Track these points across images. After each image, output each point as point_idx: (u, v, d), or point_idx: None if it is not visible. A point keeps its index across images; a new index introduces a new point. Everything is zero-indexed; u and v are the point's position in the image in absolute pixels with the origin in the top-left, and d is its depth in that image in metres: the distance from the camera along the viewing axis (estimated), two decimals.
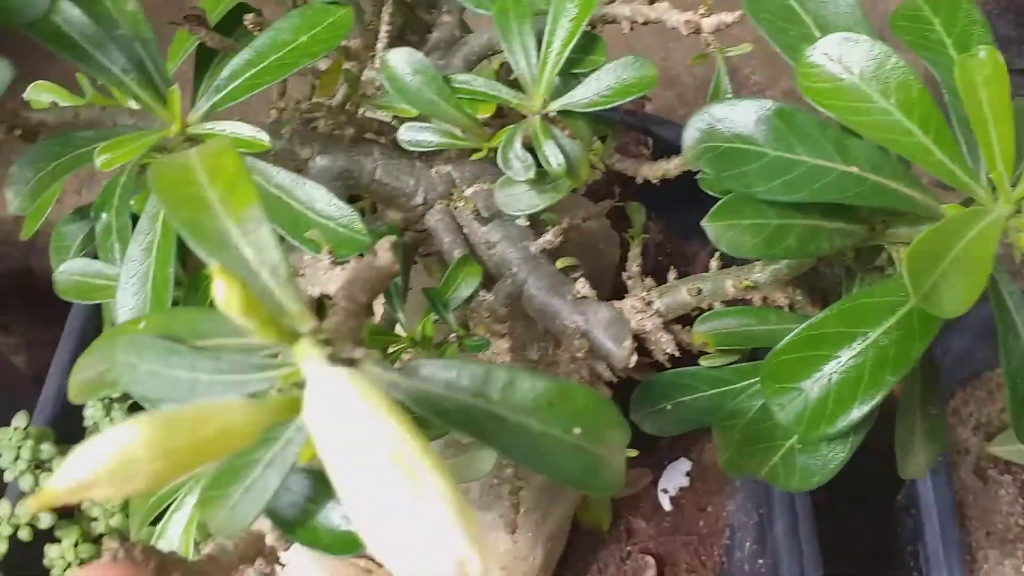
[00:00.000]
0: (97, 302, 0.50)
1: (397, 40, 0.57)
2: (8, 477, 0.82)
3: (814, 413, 0.45)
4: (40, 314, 1.35)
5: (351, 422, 0.24)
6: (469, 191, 0.55)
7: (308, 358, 0.27)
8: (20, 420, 0.84)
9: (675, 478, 0.87)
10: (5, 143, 0.50)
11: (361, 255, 0.38)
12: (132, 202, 0.64)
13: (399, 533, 0.23)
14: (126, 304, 0.45)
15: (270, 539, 0.38)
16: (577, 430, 0.30)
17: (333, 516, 0.36)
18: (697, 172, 0.54)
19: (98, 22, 0.45)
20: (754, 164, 0.43)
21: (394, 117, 0.55)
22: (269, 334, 0.28)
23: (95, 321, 0.91)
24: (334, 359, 0.28)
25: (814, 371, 0.45)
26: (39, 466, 0.82)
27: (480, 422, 0.31)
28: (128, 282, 0.45)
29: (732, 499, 0.84)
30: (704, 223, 0.44)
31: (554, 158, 0.44)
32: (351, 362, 0.28)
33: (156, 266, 0.45)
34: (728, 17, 0.48)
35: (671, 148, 0.79)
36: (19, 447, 0.81)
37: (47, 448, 0.82)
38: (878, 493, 0.88)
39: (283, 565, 0.41)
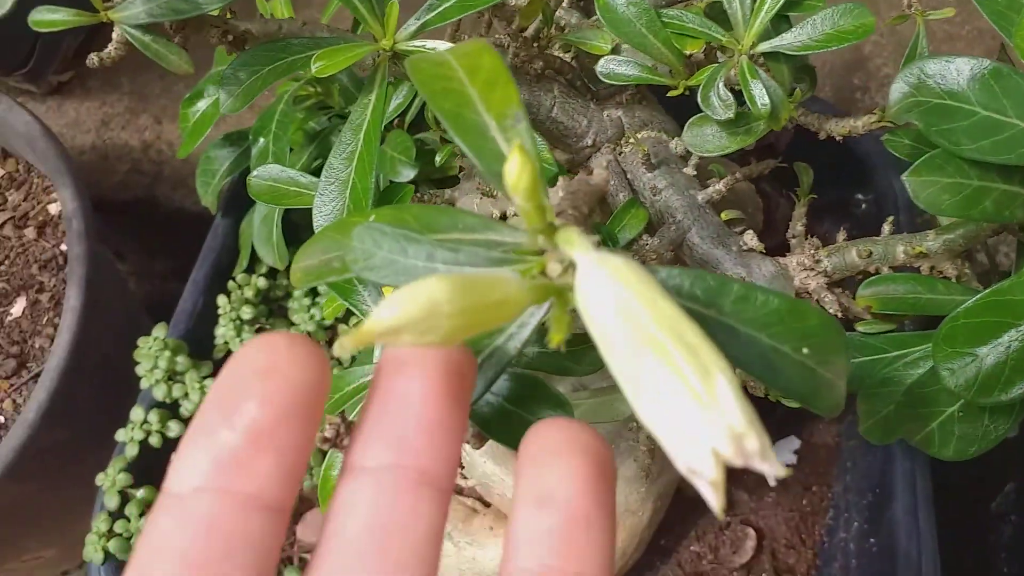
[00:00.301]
0: (287, 207, 0.52)
1: None
2: (144, 385, 0.86)
3: (987, 379, 0.45)
4: (154, 246, 1.40)
5: (629, 303, 0.26)
6: (640, 135, 0.56)
7: (578, 245, 0.28)
8: (159, 331, 0.88)
9: (783, 455, 0.86)
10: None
11: (571, 175, 0.39)
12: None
13: (676, 404, 0.24)
14: (323, 209, 0.47)
15: (466, 435, 0.40)
16: (806, 349, 0.31)
17: (532, 420, 0.37)
18: (869, 133, 0.54)
19: None
20: (964, 122, 0.43)
21: (575, 56, 0.56)
22: (536, 218, 0.29)
23: (230, 246, 0.94)
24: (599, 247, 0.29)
25: (993, 338, 0.45)
26: (172, 377, 0.86)
27: (713, 332, 0.31)
28: (327, 189, 0.47)
29: (839, 481, 0.83)
30: (905, 177, 0.44)
31: (760, 99, 0.45)
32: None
33: (356, 175, 0.47)
34: None
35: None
36: (157, 357, 0.85)
37: (182, 360, 0.86)
38: (967, 499, 0.87)
39: (463, 467, 0.43)
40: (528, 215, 0.29)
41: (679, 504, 0.86)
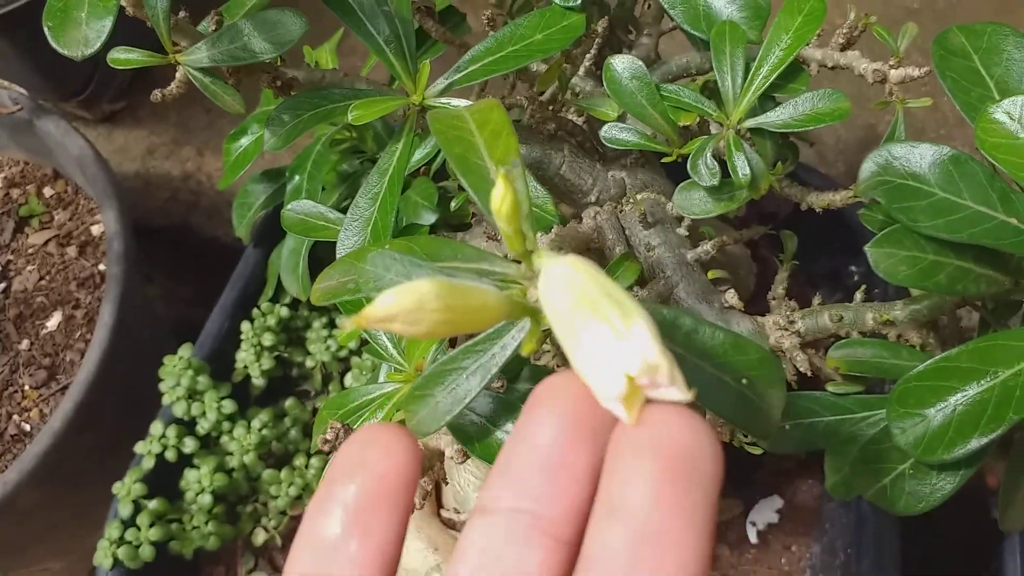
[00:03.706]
0: (316, 239, 0.58)
1: (596, 56, 0.64)
2: (165, 401, 0.92)
3: (933, 439, 0.49)
4: (183, 272, 1.47)
5: (576, 280, 0.30)
6: (640, 196, 0.61)
7: (545, 256, 0.33)
8: (185, 351, 0.94)
9: (765, 513, 0.90)
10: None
11: (563, 223, 0.45)
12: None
13: (601, 345, 0.27)
14: (347, 242, 0.53)
15: (449, 451, 0.45)
16: (745, 380, 0.36)
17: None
18: (857, 206, 0.59)
19: None
20: (923, 201, 0.48)
21: (585, 120, 0.62)
22: (516, 243, 0.34)
23: (257, 275, 1.00)
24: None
25: (940, 400, 0.49)
26: (192, 396, 0.92)
27: None
28: (352, 224, 0.53)
29: (818, 542, 0.86)
30: (867, 248, 0.48)
31: (742, 169, 0.50)
32: None
33: (379, 214, 0.53)
34: (915, 72, 0.53)
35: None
36: (180, 375, 0.91)
37: (203, 380, 0.91)
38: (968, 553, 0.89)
39: (446, 482, 0.48)
40: (509, 239, 0.34)
41: None
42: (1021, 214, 0.49)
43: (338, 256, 0.54)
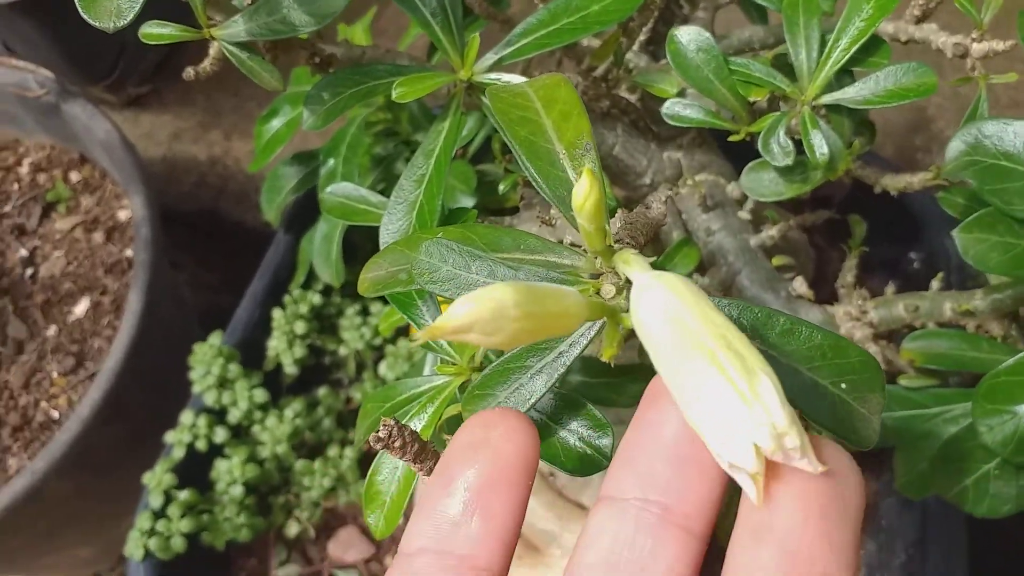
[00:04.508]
0: (356, 223, 0.55)
1: (651, 32, 0.60)
2: (196, 390, 0.89)
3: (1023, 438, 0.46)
4: (210, 258, 1.45)
5: (680, 311, 0.27)
6: (699, 177, 0.58)
7: (634, 264, 0.30)
8: (215, 339, 0.91)
9: None
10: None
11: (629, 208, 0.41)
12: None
13: (720, 402, 0.25)
14: (391, 227, 0.50)
15: None
16: (844, 384, 0.32)
17: (572, 438, 0.39)
18: (924, 191, 0.55)
19: None
20: (1017, 183, 0.44)
21: (640, 98, 0.58)
22: (596, 240, 0.31)
23: (289, 261, 0.98)
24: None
25: None
26: (223, 384, 0.89)
27: None
28: (396, 208, 0.50)
29: (874, 539, 0.83)
30: (955, 232, 0.45)
31: (819, 148, 0.47)
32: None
33: (424, 197, 0.49)
34: (1000, 45, 0.49)
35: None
36: (211, 363, 0.88)
37: (234, 368, 0.89)
38: None
39: None
40: (589, 236, 0.31)
41: (710, 550, 0.86)
42: None
43: (382, 242, 0.51)
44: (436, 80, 0.50)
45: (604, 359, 0.31)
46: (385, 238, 0.50)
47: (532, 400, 0.36)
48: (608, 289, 0.33)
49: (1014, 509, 0.49)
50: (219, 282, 1.45)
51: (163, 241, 1.07)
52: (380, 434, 0.38)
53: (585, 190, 0.29)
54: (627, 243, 0.37)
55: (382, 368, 0.89)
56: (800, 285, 0.54)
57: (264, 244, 1.01)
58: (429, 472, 0.38)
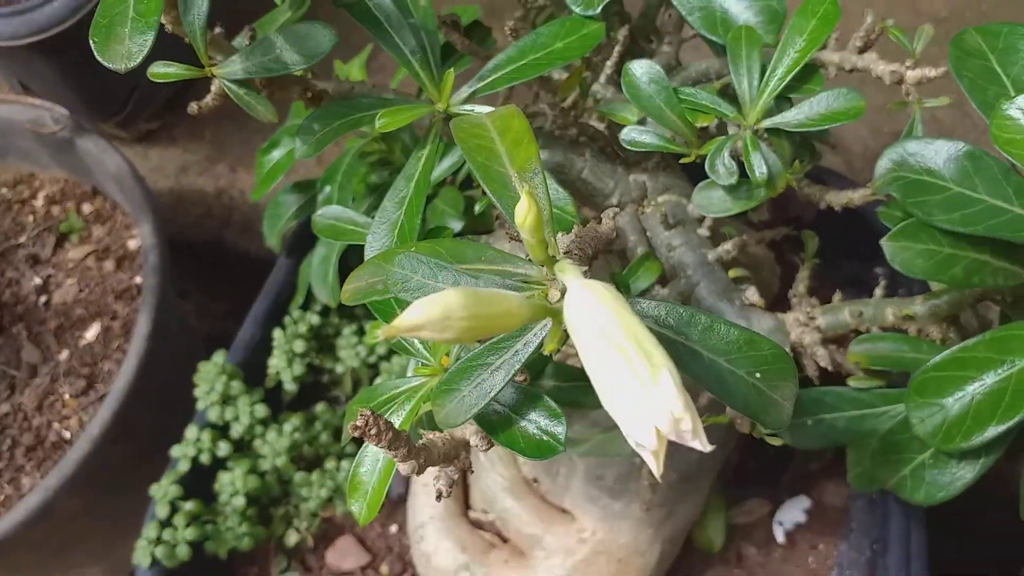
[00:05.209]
0: (347, 242, 0.60)
1: (617, 63, 0.65)
2: (200, 406, 0.94)
3: (951, 428, 0.50)
4: (216, 287, 1.50)
5: (602, 315, 0.32)
6: (661, 198, 0.63)
7: (569, 273, 0.35)
8: (219, 357, 0.96)
9: (793, 513, 0.90)
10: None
11: (583, 224, 0.46)
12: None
13: (630, 391, 0.30)
14: (374, 244, 0.55)
15: (474, 440, 0.46)
16: (758, 374, 0.37)
17: (531, 427, 0.44)
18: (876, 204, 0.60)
19: (399, 8, 0.55)
20: (938, 196, 0.49)
21: (607, 126, 0.63)
22: (538, 252, 0.36)
23: (289, 284, 1.03)
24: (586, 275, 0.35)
25: (957, 389, 0.50)
26: (226, 400, 0.94)
27: (680, 354, 0.38)
28: (380, 227, 0.55)
29: (845, 540, 0.87)
30: (883, 241, 0.50)
31: (759, 168, 0.52)
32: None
33: (405, 217, 0.54)
34: (932, 72, 0.54)
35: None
36: (214, 380, 0.93)
37: (236, 385, 0.94)
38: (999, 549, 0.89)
39: (472, 472, 0.49)
40: (532, 248, 0.36)
41: (688, 555, 0.90)
42: None
43: (367, 257, 0.56)
44: (415, 111, 0.56)
45: (545, 352, 0.36)
46: (370, 254, 0.55)
47: (493, 393, 0.41)
48: (553, 294, 0.38)
49: (948, 496, 0.53)
50: (225, 310, 1.50)
51: (170, 267, 1.12)
52: (358, 423, 0.43)
53: (524, 209, 0.34)
54: (576, 255, 0.42)
55: (368, 338, 0.94)
56: (752, 294, 0.59)
57: (267, 272, 1.07)
58: (404, 459, 0.42)
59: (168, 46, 0.53)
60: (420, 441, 0.45)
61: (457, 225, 0.87)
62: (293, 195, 0.98)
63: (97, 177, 1.27)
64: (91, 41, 0.47)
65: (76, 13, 1.19)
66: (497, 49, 0.75)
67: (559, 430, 0.42)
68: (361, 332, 0.97)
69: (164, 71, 0.54)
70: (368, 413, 0.42)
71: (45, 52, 1.25)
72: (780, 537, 0.89)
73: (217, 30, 0.57)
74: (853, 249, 0.92)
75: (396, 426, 0.49)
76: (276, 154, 0.94)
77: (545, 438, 0.43)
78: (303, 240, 1.01)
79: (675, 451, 0.74)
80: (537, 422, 0.43)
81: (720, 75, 0.66)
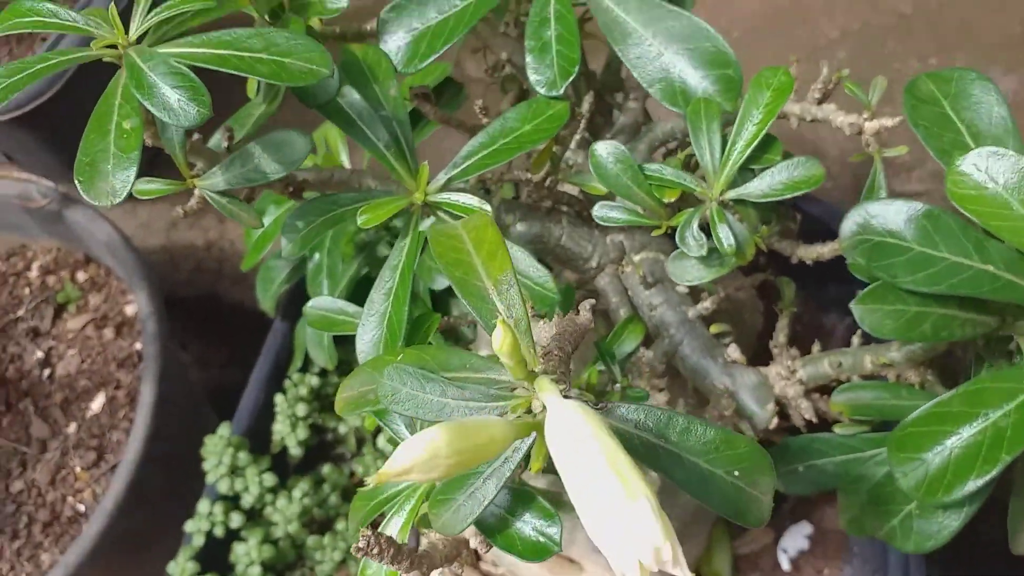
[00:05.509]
0: (339, 332, 0.61)
1: (588, 124, 0.67)
2: (209, 480, 0.96)
3: (933, 482, 0.52)
4: (214, 337, 1.52)
5: (581, 440, 0.34)
6: (637, 257, 0.64)
7: (548, 392, 0.37)
8: (224, 430, 0.98)
9: (796, 540, 0.92)
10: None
11: (563, 312, 0.48)
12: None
13: (613, 522, 0.32)
14: (365, 337, 0.56)
15: (474, 543, 0.48)
16: (737, 472, 0.39)
17: (527, 528, 0.45)
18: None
19: (369, 103, 0.57)
20: (901, 257, 0.50)
21: (581, 191, 0.65)
22: (518, 372, 0.38)
23: (287, 346, 1.04)
24: (564, 395, 0.37)
25: (936, 444, 0.52)
26: (234, 471, 0.96)
27: (660, 457, 0.40)
28: (369, 320, 0.56)
29: (849, 564, 0.89)
30: (852, 305, 0.51)
31: (727, 239, 0.53)
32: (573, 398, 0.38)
33: (393, 308, 0.56)
34: (889, 122, 0.56)
35: (818, 223, 0.85)
36: (221, 454, 0.95)
37: (243, 456, 0.95)
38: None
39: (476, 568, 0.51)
40: (512, 369, 0.38)
41: None
42: (996, 261, 0.51)
43: (358, 350, 0.57)
44: (395, 205, 0.58)
45: (532, 472, 0.38)
46: (361, 347, 0.56)
47: (486, 502, 0.43)
48: (537, 404, 0.39)
49: (936, 544, 0.55)
50: (225, 359, 1.51)
51: (169, 333, 1.14)
52: (360, 545, 0.45)
53: (500, 337, 0.36)
54: (556, 355, 0.44)
55: (380, 440, 0.96)
56: (735, 352, 0.61)
57: (263, 320, 1.08)
58: (407, 570, 0.44)
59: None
60: (422, 548, 0.47)
61: (444, 282, 0.89)
62: (283, 260, 1.00)
63: (88, 244, 1.29)
64: (76, 180, 0.49)
65: (52, 87, 1.22)
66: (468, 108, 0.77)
67: (554, 531, 0.43)
68: None
69: (148, 188, 0.56)
70: (369, 533, 0.44)
71: (26, 125, 1.27)
72: (785, 565, 0.91)
73: (195, 137, 0.59)
74: (839, 272, 0.94)
75: (399, 528, 0.51)
76: (264, 222, 0.96)
77: (541, 539, 0.45)
78: (297, 302, 1.03)
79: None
80: (532, 523, 0.45)
81: (686, 134, 0.67)
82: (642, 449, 0.39)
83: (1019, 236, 0.51)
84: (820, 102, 0.63)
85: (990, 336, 0.57)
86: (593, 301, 0.47)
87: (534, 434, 0.40)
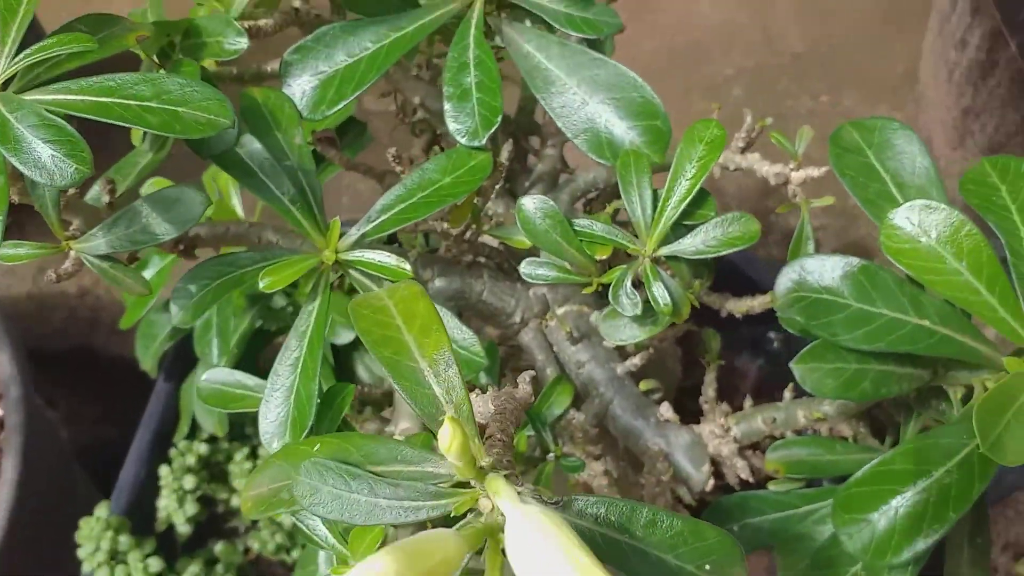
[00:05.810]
0: (238, 410, 0.55)
1: (508, 169, 0.63)
2: (86, 568, 0.86)
3: (880, 544, 0.50)
4: (87, 392, 1.40)
5: (547, 551, 0.30)
6: (561, 311, 0.61)
7: (504, 497, 0.33)
8: (102, 510, 0.88)
9: None
10: None
11: (499, 385, 0.44)
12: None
13: None
14: (269, 416, 0.50)
15: None
16: (708, 566, 0.35)
17: None
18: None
19: (271, 152, 0.52)
20: (839, 315, 0.49)
21: (502, 242, 0.61)
22: (467, 471, 0.33)
23: (172, 409, 0.96)
24: (521, 496, 0.33)
25: (882, 504, 0.50)
26: (114, 557, 0.86)
27: (624, 554, 0.36)
28: (273, 395, 0.51)
29: None
30: (792, 365, 0.49)
31: (662, 298, 0.51)
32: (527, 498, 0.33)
33: (300, 382, 0.50)
34: (815, 172, 0.55)
35: (732, 267, 0.85)
36: (99, 538, 0.85)
37: (124, 540, 0.86)
38: None
39: None
40: (460, 469, 0.33)
41: None
42: (932, 315, 0.51)
43: (262, 431, 0.51)
44: (301, 265, 0.52)
45: None
46: (265, 427, 0.51)
47: None
48: (485, 503, 0.35)
49: None
50: (98, 414, 1.40)
51: (35, 387, 1.03)
52: None
53: (449, 436, 0.31)
54: (499, 439, 0.39)
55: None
56: (667, 410, 0.58)
57: (142, 373, 0.99)
58: None
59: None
60: None
61: (350, 335, 0.84)
62: (166, 314, 0.91)
63: None
64: None
65: None
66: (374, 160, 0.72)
67: None
68: (254, 456, 0.92)
69: (14, 253, 0.49)
70: None
71: None
72: None
73: (71, 191, 0.52)
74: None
75: None
76: (146, 275, 0.88)
77: None
78: (182, 361, 0.95)
79: None
80: None
81: (609, 184, 0.65)
82: (604, 546, 0.35)
83: (952, 289, 0.50)
84: (744, 151, 0.62)
85: (921, 388, 0.57)
86: (533, 373, 0.43)
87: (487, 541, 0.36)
